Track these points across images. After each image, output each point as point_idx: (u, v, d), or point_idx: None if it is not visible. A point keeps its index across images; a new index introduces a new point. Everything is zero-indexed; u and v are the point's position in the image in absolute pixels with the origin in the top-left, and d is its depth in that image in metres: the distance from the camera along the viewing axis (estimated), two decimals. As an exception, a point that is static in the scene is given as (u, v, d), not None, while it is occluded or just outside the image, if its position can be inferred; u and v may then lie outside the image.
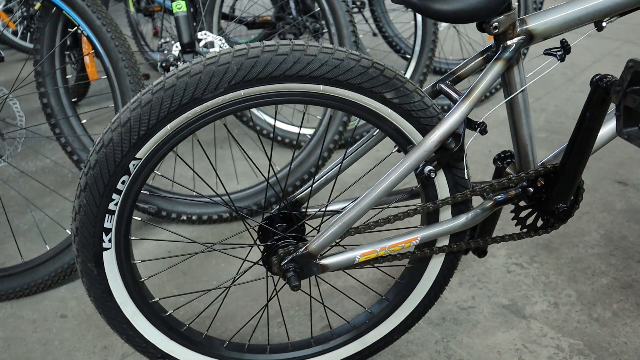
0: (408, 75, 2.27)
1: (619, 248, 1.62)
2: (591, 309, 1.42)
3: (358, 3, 2.87)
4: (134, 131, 0.88)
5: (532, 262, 1.58)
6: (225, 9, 2.90)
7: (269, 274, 1.07)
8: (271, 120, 2.26)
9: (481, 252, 1.21)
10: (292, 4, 2.53)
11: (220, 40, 1.84)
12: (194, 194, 1.77)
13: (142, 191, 1.01)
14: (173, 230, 1.81)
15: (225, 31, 2.24)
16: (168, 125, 0.88)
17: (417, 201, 1.08)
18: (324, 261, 1.01)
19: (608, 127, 1.07)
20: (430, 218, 1.08)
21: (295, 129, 2.22)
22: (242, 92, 0.88)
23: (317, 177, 1.09)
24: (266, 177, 1.07)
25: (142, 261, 1.09)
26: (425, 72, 2.25)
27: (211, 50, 1.86)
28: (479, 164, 2.14)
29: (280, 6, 2.76)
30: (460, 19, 0.87)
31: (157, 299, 1.09)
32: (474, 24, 0.95)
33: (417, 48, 2.24)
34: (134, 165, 0.91)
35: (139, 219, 1.20)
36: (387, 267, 1.32)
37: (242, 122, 2.27)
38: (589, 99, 0.95)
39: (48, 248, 1.64)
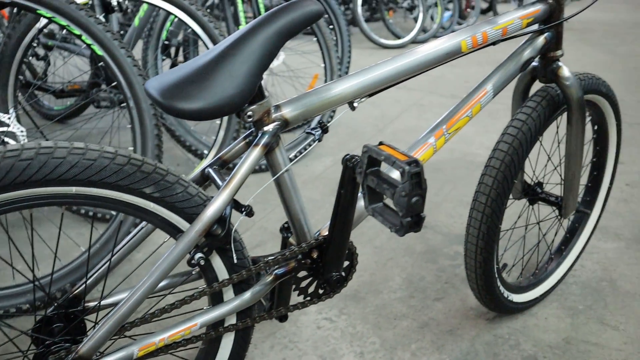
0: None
1: (418, 289, 1.77)
2: (393, 352, 1.52)
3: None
4: None
5: (341, 315, 1.67)
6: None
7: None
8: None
9: (282, 317, 1.25)
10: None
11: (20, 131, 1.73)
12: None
13: None
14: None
15: (22, 103, 2.11)
16: None
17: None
18: (100, 363, 0.98)
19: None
20: (215, 299, 1.09)
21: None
22: (-17, 202, 0.83)
23: (90, 273, 1.06)
24: (34, 277, 1.01)
25: None
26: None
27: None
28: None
29: (94, 72, 2.67)
30: (207, 117, 0.91)
31: None
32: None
33: (220, 139, 2.31)
34: None
35: None
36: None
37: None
38: (342, 177, 1.04)
39: None
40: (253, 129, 1.05)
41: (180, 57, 3.34)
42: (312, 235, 1.15)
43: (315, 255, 1.14)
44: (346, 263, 1.21)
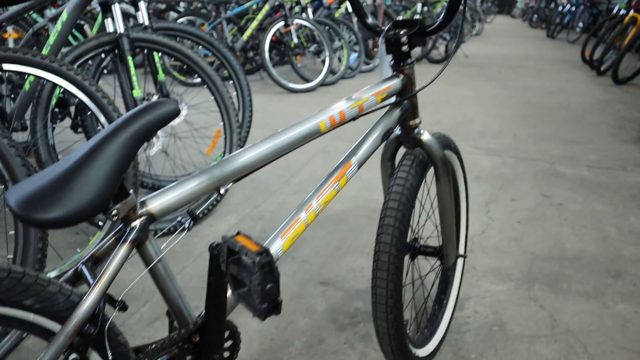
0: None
1: (317, 353, 1.77)
2: (294, 423, 1.54)
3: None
4: None
5: (241, 388, 1.67)
6: None
7: None
8: None
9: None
10: None
11: None
12: None
13: None
14: None
15: None
16: None
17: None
18: None
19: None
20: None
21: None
22: None
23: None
24: None
25: None
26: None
27: None
28: (195, 288, 2.22)
29: None
30: (67, 224, 0.92)
31: None
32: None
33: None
34: None
35: None
36: None
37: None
38: (209, 265, 1.08)
39: None
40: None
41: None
42: (192, 319, 1.18)
43: (196, 339, 1.16)
44: (230, 342, 1.24)
